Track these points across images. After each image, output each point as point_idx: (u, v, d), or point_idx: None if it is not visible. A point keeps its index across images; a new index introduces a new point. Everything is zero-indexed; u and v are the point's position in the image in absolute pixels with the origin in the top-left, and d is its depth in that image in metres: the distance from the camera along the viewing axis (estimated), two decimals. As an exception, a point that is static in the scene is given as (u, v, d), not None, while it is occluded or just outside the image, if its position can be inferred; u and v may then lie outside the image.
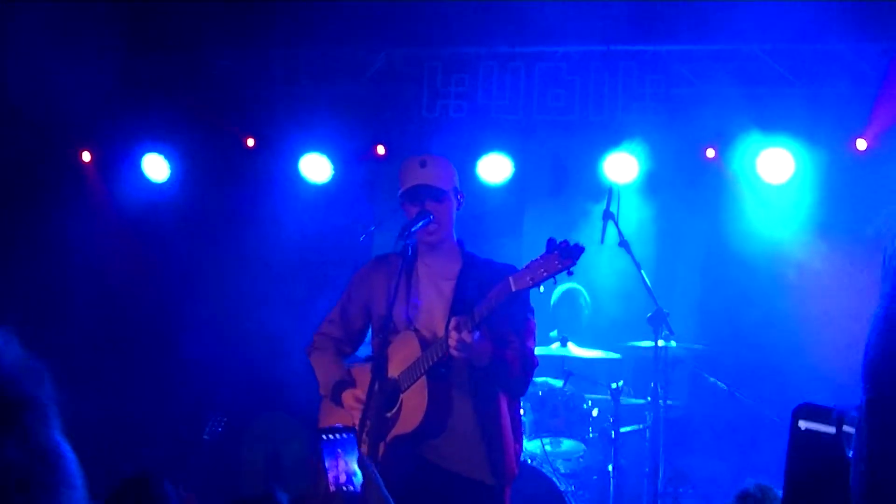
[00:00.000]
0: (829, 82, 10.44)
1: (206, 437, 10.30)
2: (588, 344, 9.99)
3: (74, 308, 11.66)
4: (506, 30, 10.78)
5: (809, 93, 10.50)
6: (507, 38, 10.89)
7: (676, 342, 9.32)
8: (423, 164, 6.45)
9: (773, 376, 9.87)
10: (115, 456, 10.52)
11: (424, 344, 6.20)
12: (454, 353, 5.92)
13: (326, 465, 4.55)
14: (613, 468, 9.46)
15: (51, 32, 9.98)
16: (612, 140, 10.73)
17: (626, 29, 10.56)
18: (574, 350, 9.83)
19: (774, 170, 10.54)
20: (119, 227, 11.68)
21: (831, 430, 2.28)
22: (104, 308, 11.72)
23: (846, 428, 2.21)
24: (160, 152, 11.60)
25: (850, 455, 2.14)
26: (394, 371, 6.22)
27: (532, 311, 6.50)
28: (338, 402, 6.53)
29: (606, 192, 9.22)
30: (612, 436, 9.47)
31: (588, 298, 10.66)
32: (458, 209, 6.58)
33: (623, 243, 8.99)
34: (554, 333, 10.37)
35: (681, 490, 9.69)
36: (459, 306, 6.21)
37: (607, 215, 9.09)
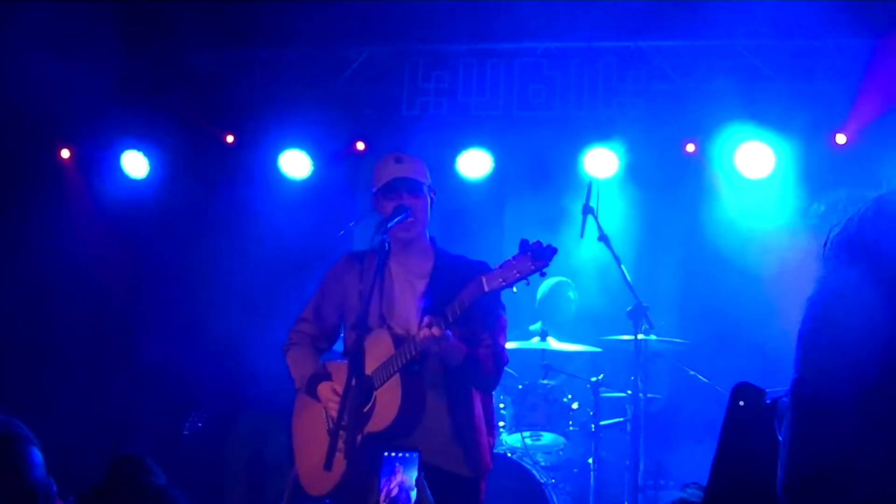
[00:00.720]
0: (809, 77, 10.47)
1: (185, 432, 10.31)
2: (568, 338, 10.00)
3: (54, 304, 11.64)
4: (486, 27, 10.78)
5: (789, 88, 10.53)
6: (487, 34, 10.89)
7: (656, 336, 9.34)
8: (398, 160, 6.49)
9: (753, 369, 9.87)
10: (94, 451, 10.52)
11: (398, 342, 6.22)
12: (425, 349, 5.95)
13: (382, 479, 4.57)
14: (594, 461, 9.48)
15: (31, 30, 9.97)
16: (592, 135, 10.76)
17: (605, 25, 10.57)
18: (554, 344, 9.84)
19: (754, 164, 10.57)
20: (99, 224, 11.66)
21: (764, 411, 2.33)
22: (84, 304, 11.70)
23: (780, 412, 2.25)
24: (139, 149, 11.58)
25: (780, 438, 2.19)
26: (367, 368, 6.23)
27: (503, 307, 6.53)
28: (313, 394, 6.54)
29: (586, 187, 9.24)
30: (593, 429, 9.50)
31: (576, 293, 10.69)
32: (431, 207, 6.60)
33: (603, 238, 9.01)
34: (537, 326, 10.37)
35: (661, 483, 9.68)
36: (432, 304, 6.23)
37: (587, 210, 9.10)
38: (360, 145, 11.43)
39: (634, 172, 10.86)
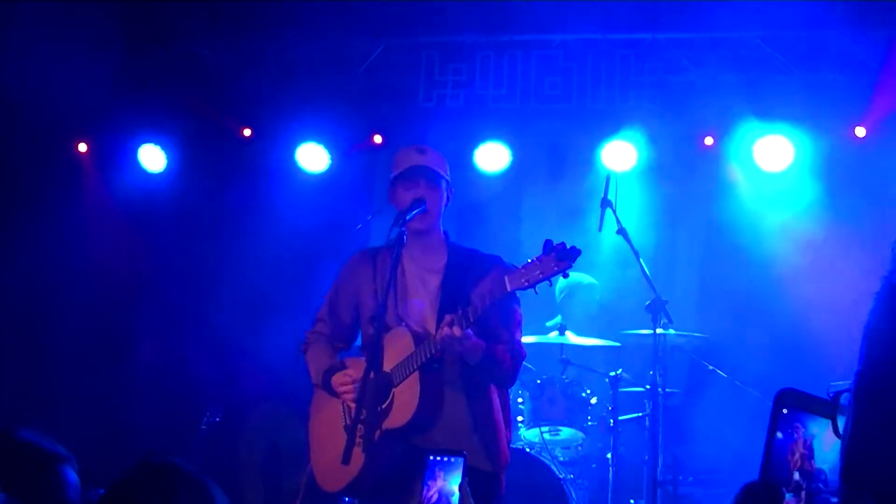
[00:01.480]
0: (828, 70, 10.42)
1: (203, 427, 10.30)
2: (586, 332, 9.97)
3: (71, 299, 11.64)
4: (503, 18, 10.75)
5: (808, 80, 10.47)
6: (504, 26, 10.86)
7: (675, 330, 9.31)
8: (421, 151, 6.47)
9: (773, 364, 9.86)
10: (112, 446, 10.52)
11: (418, 339, 6.20)
12: (445, 348, 5.94)
13: (426, 482, 4.55)
14: (612, 456, 9.45)
15: (47, 25, 9.98)
16: (610, 128, 10.71)
17: (623, 17, 10.54)
18: (572, 338, 9.81)
19: (773, 157, 10.52)
20: (116, 218, 11.66)
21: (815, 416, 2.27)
22: (101, 298, 11.70)
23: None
24: (157, 143, 11.56)
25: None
26: (387, 365, 6.22)
27: (518, 301, 6.50)
28: (328, 388, 6.52)
29: (604, 180, 9.21)
30: (611, 424, 9.47)
31: (601, 295, 10.65)
32: (447, 204, 6.57)
33: (621, 231, 8.98)
34: (556, 321, 10.35)
35: (680, 478, 9.66)
36: (447, 300, 6.22)
37: (605, 203, 9.07)
38: (378, 138, 11.40)
39: (652, 165, 10.81)
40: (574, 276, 10.20)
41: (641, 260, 8.96)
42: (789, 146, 10.44)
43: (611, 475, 9.47)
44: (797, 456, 2.22)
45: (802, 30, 10.36)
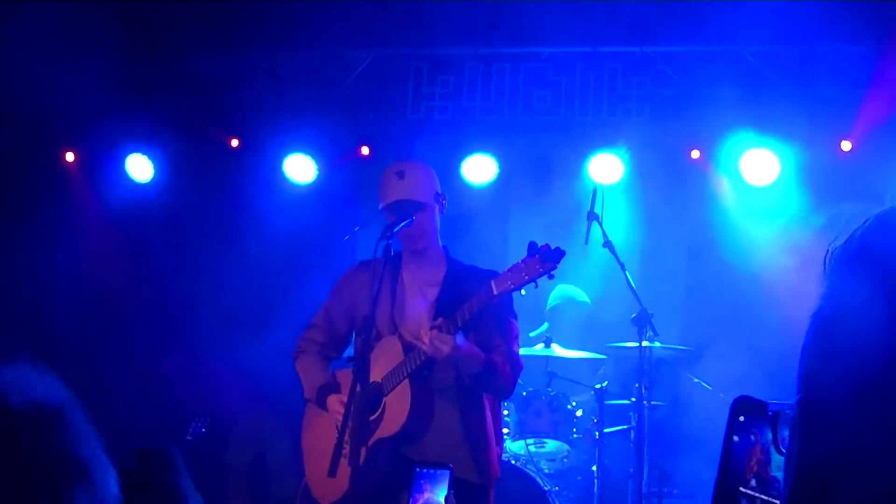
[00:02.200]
0: (814, 83, 10.43)
1: (189, 437, 10.29)
2: (572, 345, 9.98)
3: (57, 308, 11.63)
4: (491, 31, 10.78)
5: (794, 94, 10.48)
6: (493, 39, 10.89)
7: (661, 343, 9.33)
8: (401, 176, 6.48)
9: (758, 377, 9.86)
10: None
11: (407, 349, 6.23)
12: (432, 354, 5.96)
13: (412, 495, 4.56)
14: (597, 468, 9.46)
15: (36, 34, 9.97)
16: (597, 141, 10.72)
17: (611, 30, 10.57)
18: (558, 351, 9.83)
19: (759, 170, 10.54)
20: (103, 228, 11.65)
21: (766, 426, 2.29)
22: (87, 308, 11.70)
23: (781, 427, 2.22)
24: (144, 153, 11.56)
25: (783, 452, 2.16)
26: (377, 375, 6.26)
27: (515, 315, 6.55)
28: (322, 406, 6.55)
29: (591, 193, 9.23)
30: (597, 436, 9.48)
31: (588, 312, 10.65)
32: (441, 213, 6.59)
33: (607, 244, 9.00)
34: (542, 329, 10.37)
35: (665, 490, 9.67)
36: (444, 312, 6.22)
37: (591, 216, 9.09)
38: (365, 150, 11.42)
39: (639, 178, 10.83)
40: (569, 290, 10.24)
41: (627, 273, 8.98)
42: (775, 160, 10.47)
43: (596, 487, 9.49)
44: (754, 461, 2.23)
45: (789, 44, 10.39)
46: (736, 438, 2.27)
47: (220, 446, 10.97)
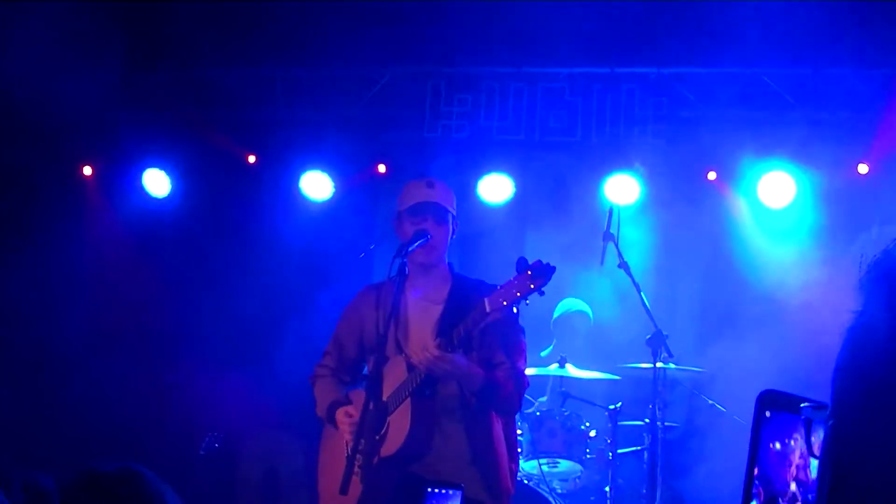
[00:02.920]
0: (831, 106, 10.45)
1: (202, 452, 10.29)
2: (586, 365, 9.96)
3: (73, 322, 11.64)
4: (509, 50, 10.80)
5: (811, 117, 10.49)
6: (510, 58, 10.90)
7: (675, 364, 9.31)
8: (430, 185, 6.50)
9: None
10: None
11: (410, 368, 6.23)
12: (425, 369, 5.98)
13: None
14: (610, 489, 9.43)
15: (54, 47, 10.00)
16: (614, 162, 10.71)
17: (629, 51, 10.58)
18: (572, 371, 9.80)
19: (775, 193, 10.53)
20: (120, 242, 11.67)
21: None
22: (103, 322, 11.71)
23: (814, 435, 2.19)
24: (161, 167, 11.58)
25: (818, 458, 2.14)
26: (385, 394, 6.26)
27: (523, 331, 6.54)
28: (332, 421, 6.55)
29: (607, 214, 9.23)
30: (610, 457, 9.45)
31: (590, 316, 10.63)
32: (453, 235, 6.60)
33: (623, 265, 9.01)
34: (550, 349, 10.37)
35: (677, 512, 9.68)
36: (447, 329, 6.22)
37: (607, 237, 9.11)
38: (382, 167, 11.42)
39: (655, 200, 10.81)
40: (571, 303, 10.23)
41: (642, 294, 8.98)
42: (792, 182, 10.46)
43: (608, 508, 9.48)
44: (793, 467, 2.21)
45: (807, 67, 10.40)
46: (778, 445, 2.25)
47: (232, 461, 10.97)
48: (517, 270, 5.74)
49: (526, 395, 8.13)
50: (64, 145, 11.48)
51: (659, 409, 9.21)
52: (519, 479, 9.12)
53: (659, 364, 9.02)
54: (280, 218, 11.45)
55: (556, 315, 10.56)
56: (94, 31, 9.97)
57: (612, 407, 9.54)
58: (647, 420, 9.39)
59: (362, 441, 6.10)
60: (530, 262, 5.74)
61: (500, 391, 6.27)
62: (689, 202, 10.88)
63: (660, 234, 10.95)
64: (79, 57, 10.21)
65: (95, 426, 11.17)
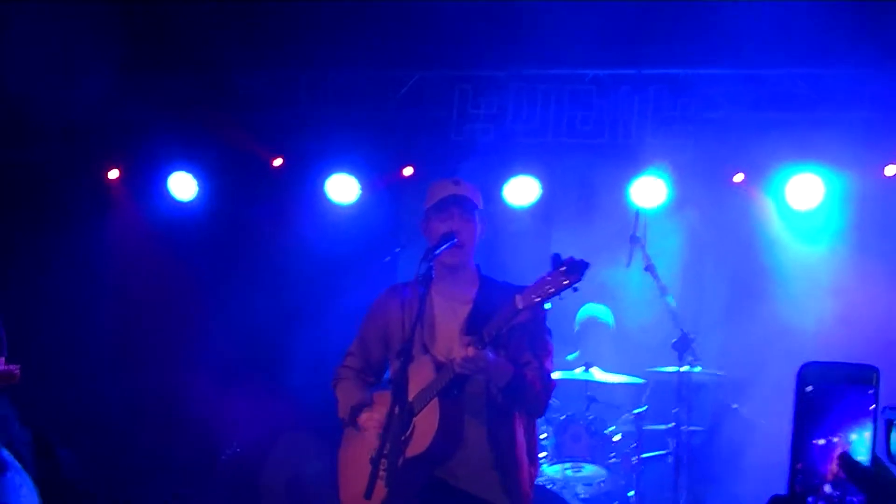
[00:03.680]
0: (859, 107, 10.39)
1: (225, 458, 10.31)
2: (612, 369, 9.94)
3: (100, 326, 11.68)
4: (535, 53, 10.77)
5: (839, 119, 10.43)
6: (537, 61, 10.88)
7: (701, 368, 9.28)
8: (456, 183, 6.48)
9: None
10: (134, 476, 10.56)
11: (438, 367, 6.20)
12: (463, 370, 5.93)
13: None
14: (635, 494, 9.41)
15: (80, 50, 10.03)
16: (641, 164, 10.68)
17: (655, 52, 10.55)
18: (597, 375, 9.78)
19: (803, 195, 10.49)
20: (146, 246, 11.69)
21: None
22: (130, 326, 11.74)
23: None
24: (187, 171, 11.60)
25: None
26: (410, 395, 6.22)
27: (550, 332, 6.49)
28: (354, 424, 6.54)
29: (634, 216, 9.22)
30: (634, 461, 9.44)
31: (612, 326, 10.59)
32: (481, 237, 6.58)
33: (649, 267, 9.01)
34: (574, 356, 10.35)
35: (702, 516, 9.66)
36: (474, 329, 6.18)
37: (634, 239, 9.11)
38: (408, 170, 11.42)
39: (683, 202, 10.78)
40: (593, 310, 10.20)
41: (669, 296, 8.96)
42: (820, 184, 10.41)
43: (633, 513, 9.46)
44: (834, 465, 2.18)
45: (834, 68, 10.35)
46: (822, 441, 2.20)
47: (255, 467, 10.97)
48: (551, 266, 5.70)
49: (552, 400, 8.14)
50: (90, 149, 11.52)
51: (684, 413, 9.18)
52: (542, 483, 9.12)
53: (685, 368, 9.00)
54: (305, 221, 11.45)
55: (578, 322, 10.54)
56: (122, 34, 9.99)
57: (637, 411, 9.52)
58: (672, 424, 9.37)
59: (387, 444, 6.08)
60: (563, 258, 5.70)
61: (529, 389, 6.23)
62: (716, 204, 10.87)
63: (687, 237, 10.92)
64: (106, 60, 10.24)
65: (119, 429, 11.20)
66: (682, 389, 9.08)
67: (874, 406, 2.19)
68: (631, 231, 9.20)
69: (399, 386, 6.06)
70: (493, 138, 11.06)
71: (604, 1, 10.17)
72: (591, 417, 9.61)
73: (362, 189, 11.35)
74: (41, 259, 11.45)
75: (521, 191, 11.00)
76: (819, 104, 10.45)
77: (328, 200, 11.37)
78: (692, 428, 9.44)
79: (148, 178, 11.74)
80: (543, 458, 9.52)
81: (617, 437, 9.68)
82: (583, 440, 9.51)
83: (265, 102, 11.45)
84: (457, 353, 5.94)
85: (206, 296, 11.64)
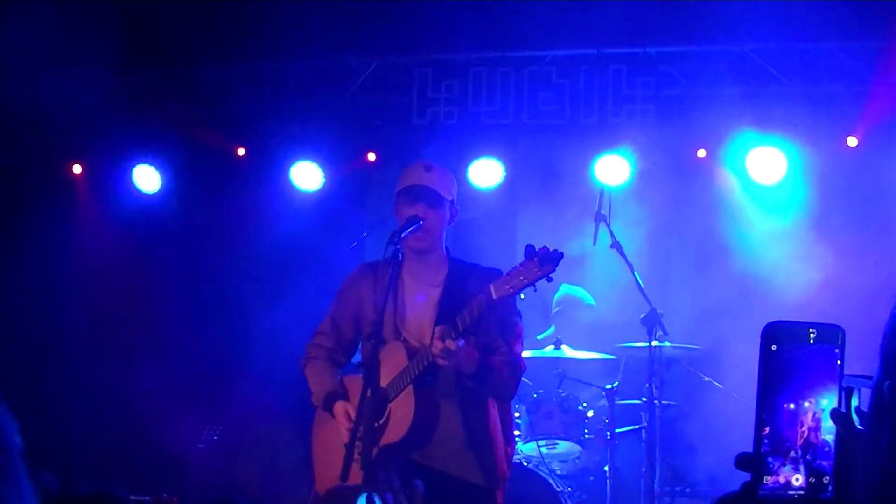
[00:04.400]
0: (819, 81, 10.44)
1: (200, 445, 10.30)
2: (582, 346, 9.97)
3: (66, 319, 11.67)
4: (495, 35, 10.78)
5: (800, 92, 10.49)
6: (497, 43, 10.89)
7: (671, 342, 9.33)
8: (427, 169, 6.49)
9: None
10: (108, 465, 10.55)
11: (411, 353, 6.23)
12: (438, 361, 5.95)
13: None
14: (609, 469, 9.45)
15: (43, 45, 9.99)
16: (603, 142, 10.72)
17: (615, 31, 10.56)
18: (568, 352, 9.81)
19: (766, 169, 10.54)
20: (110, 239, 11.67)
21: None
22: (96, 319, 11.72)
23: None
24: (151, 164, 11.59)
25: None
26: (383, 381, 6.24)
27: (520, 315, 6.53)
28: (329, 411, 6.54)
29: (598, 195, 9.25)
30: (608, 437, 9.47)
31: (593, 300, 10.62)
32: (450, 223, 6.59)
33: (615, 245, 9.03)
34: (549, 332, 10.38)
35: (677, 489, 9.68)
36: (446, 313, 6.21)
37: (599, 217, 9.13)
38: (371, 156, 11.44)
39: (646, 179, 10.82)
40: (575, 291, 10.23)
41: (636, 273, 9.01)
42: (782, 157, 10.46)
43: (608, 488, 9.47)
44: (805, 428, 2.20)
45: (794, 42, 10.39)
46: (792, 406, 2.21)
47: (231, 454, 10.97)
48: (525, 256, 5.71)
49: (524, 379, 8.17)
50: (53, 143, 11.48)
51: (656, 388, 9.23)
52: (518, 461, 9.14)
53: (654, 343, 9.04)
54: (271, 209, 11.45)
55: (556, 303, 10.55)
56: (83, 28, 9.95)
57: (608, 387, 9.56)
58: (644, 399, 9.41)
59: (361, 428, 6.10)
60: (537, 249, 5.71)
61: (496, 375, 6.26)
62: (679, 180, 10.92)
63: (651, 214, 10.94)
64: (67, 55, 10.21)
65: (91, 422, 11.19)
66: (654, 364, 9.12)
67: (840, 364, 2.21)
68: (595, 209, 9.21)
69: (371, 370, 6.08)
70: (455, 122, 11.06)
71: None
72: (563, 395, 9.64)
73: (326, 176, 11.35)
74: (5, 255, 11.41)
75: (486, 173, 11.02)
76: (779, 78, 10.49)
77: (293, 188, 11.39)
78: (665, 402, 9.48)
79: (112, 172, 11.72)
80: (518, 436, 9.54)
81: (590, 413, 9.71)
82: (556, 417, 9.54)
83: (227, 94, 11.44)
84: (435, 345, 5.96)
85: (174, 287, 11.63)
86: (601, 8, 10.29)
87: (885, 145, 10.23)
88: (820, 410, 2.19)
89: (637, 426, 9.71)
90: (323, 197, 11.40)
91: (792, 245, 10.35)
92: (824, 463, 2.19)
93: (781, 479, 2.18)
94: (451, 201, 6.55)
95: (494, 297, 5.83)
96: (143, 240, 11.68)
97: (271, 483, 11.10)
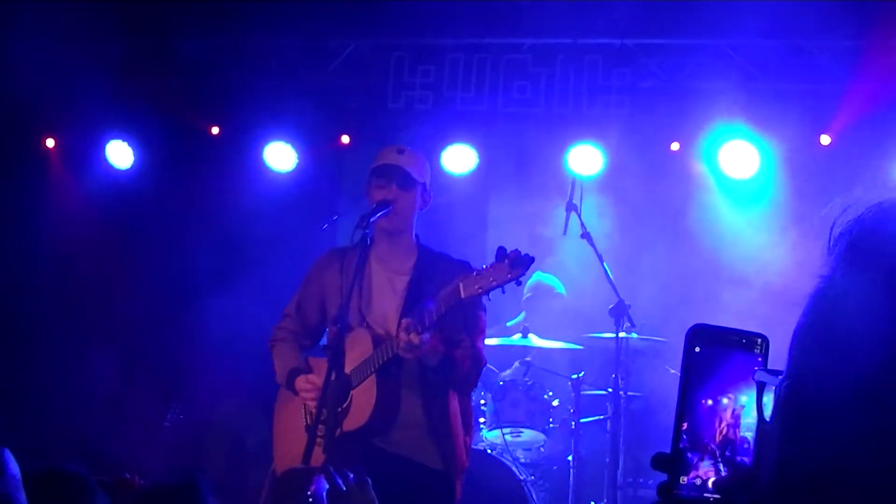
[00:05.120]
0: (795, 79, 10.47)
1: (166, 423, 10.29)
2: (549, 335, 10.00)
3: (37, 295, 11.63)
4: (473, 22, 10.77)
5: (774, 88, 10.52)
6: (474, 29, 10.88)
7: (638, 334, 9.36)
8: (401, 152, 6.53)
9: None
10: (76, 443, 10.51)
11: (377, 341, 6.28)
12: (403, 354, 5.98)
13: None
14: (573, 458, 9.48)
15: (13, 18, 9.94)
16: (577, 133, 10.73)
17: (593, 22, 10.56)
18: (535, 341, 9.84)
19: (739, 163, 10.57)
20: (83, 215, 11.62)
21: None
22: (67, 295, 11.68)
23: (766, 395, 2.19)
24: (124, 139, 11.55)
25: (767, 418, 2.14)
26: (347, 367, 6.28)
27: (484, 308, 6.57)
28: (291, 388, 6.57)
29: (570, 184, 9.27)
30: (573, 426, 9.51)
31: (564, 289, 10.62)
32: (422, 208, 6.61)
33: (585, 235, 9.06)
34: (519, 318, 10.40)
35: (640, 481, 9.71)
36: (412, 303, 6.26)
37: (570, 207, 9.16)
38: (345, 138, 11.43)
39: (618, 170, 10.83)
40: (546, 279, 10.25)
41: (605, 264, 9.04)
42: (755, 153, 10.50)
43: (572, 477, 9.51)
44: (724, 424, 2.22)
45: (771, 39, 10.41)
46: (710, 402, 2.23)
47: (198, 433, 10.96)
48: (496, 258, 5.75)
49: (490, 366, 8.20)
50: (26, 118, 11.41)
51: (621, 379, 9.28)
52: (482, 448, 9.19)
53: (622, 334, 9.08)
54: (244, 189, 11.42)
55: (528, 289, 10.55)
56: (58, 3, 9.91)
57: (574, 376, 9.59)
58: (609, 389, 9.45)
59: (324, 411, 6.13)
60: (509, 251, 5.74)
61: (458, 368, 6.31)
62: (652, 173, 10.93)
63: (623, 205, 10.99)
64: (39, 27, 10.15)
65: (59, 400, 11.15)
66: (620, 355, 9.16)
67: (758, 370, 2.23)
68: (567, 199, 9.23)
69: (335, 354, 6.12)
70: (430, 107, 11.06)
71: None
72: (529, 383, 9.67)
73: (299, 157, 11.33)
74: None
75: (459, 158, 11.02)
76: (754, 74, 10.52)
77: (267, 168, 11.36)
78: (630, 393, 9.53)
79: (85, 147, 11.68)
80: (483, 423, 9.57)
81: (555, 403, 9.74)
82: (521, 405, 9.56)
83: (202, 70, 11.39)
84: (400, 338, 5.98)
85: (144, 263, 11.58)
86: (580, -1, 10.32)
87: (857, 145, 10.27)
88: (740, 407, 2.22)
89: (602, 417, 9.77)
90: (296, 178, 11.38)
91: (762, 239, 10.39)
92: (745, 459, 2.21)
93: (700, 475, 2.20)
94: (424, 185, 6.58)
95: (463, 296, 5.87)
96: (116, 216, 11.63)
97: (237, 462, 11.10)
